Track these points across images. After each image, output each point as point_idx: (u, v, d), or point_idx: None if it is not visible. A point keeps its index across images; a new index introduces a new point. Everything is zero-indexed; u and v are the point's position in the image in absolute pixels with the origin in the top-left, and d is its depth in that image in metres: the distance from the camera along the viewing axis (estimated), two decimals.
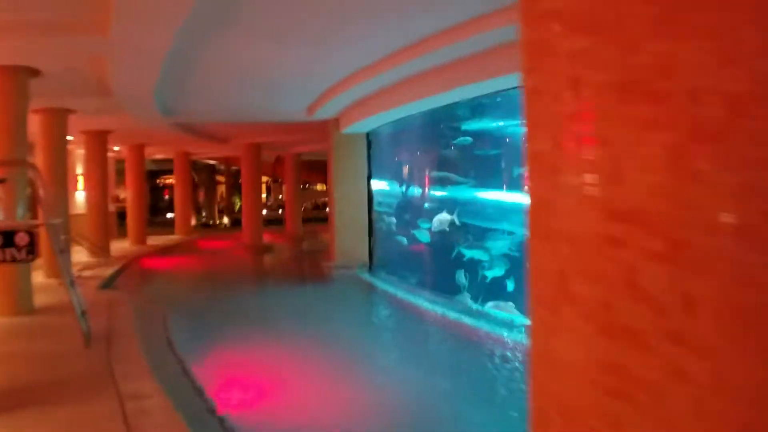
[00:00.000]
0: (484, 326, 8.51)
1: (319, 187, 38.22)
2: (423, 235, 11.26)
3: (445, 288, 10.51)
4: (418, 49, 7.76)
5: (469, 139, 10.31)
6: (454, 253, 10.18)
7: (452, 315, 9.26)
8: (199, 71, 9.27)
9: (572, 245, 1.45)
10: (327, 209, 31.34)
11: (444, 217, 10.58)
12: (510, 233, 9.59)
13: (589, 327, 1.40)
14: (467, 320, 8.91)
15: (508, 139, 10.39)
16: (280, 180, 37.19)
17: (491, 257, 9.62)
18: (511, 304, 9.03)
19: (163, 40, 6.76)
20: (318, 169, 30.35)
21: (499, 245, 9.63)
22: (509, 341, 7.73)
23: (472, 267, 10.05)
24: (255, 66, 9.21)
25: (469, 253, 9.92)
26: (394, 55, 8.31)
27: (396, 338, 8.79)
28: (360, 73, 9.52)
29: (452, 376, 6.43)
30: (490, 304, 9.31)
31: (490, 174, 10.21)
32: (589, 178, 1.42)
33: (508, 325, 8.40)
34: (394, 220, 13.24)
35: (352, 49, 8.29)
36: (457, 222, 10.31)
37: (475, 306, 9.58)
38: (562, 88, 1.53)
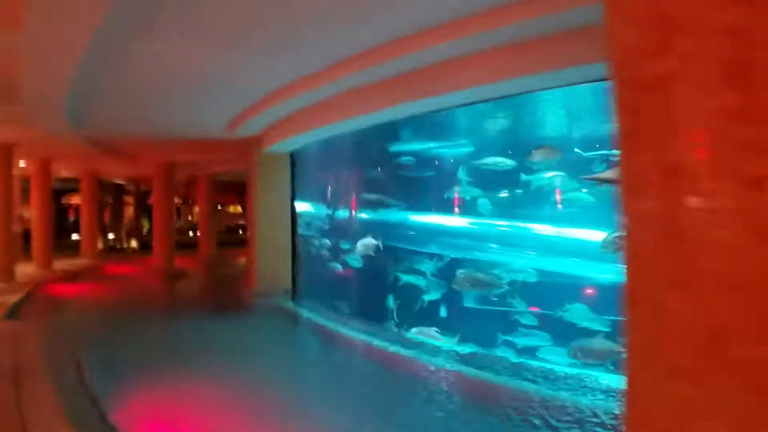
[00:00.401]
0: (413, 355, 8.22)
1: (232, 208, 37.31)
2: (353, 260, 11.06)
3: (377, 316, 10.27)
4: (352, 65, 7.44)
5: (405, 159, 10.25)
6: (387, 279, 10.02)
7: (382, 345, 8.88)
8: (115, 78, 8.57)
9: (736, 293, 1.06)
10: (241, 232, 30.73)
11: (369, 241, 10.37)
12: (439, 257, 9.59)
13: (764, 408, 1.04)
14: (398, 350, 8.57)
15: (437, 162, 10.44)
16: (191, 201, 35.99)
17: (427, 282, 9.56)
18: (434, 329, 8.96)
19: (81, 38, 6.12)
20: (231, 189, 29.60)
21: (431, 269, 9.60)
22: (434, 369, 7.59)
23: (406, 292, 9.91)
24: (177, 75, 8.60)
25: (405, 278, 9.79)
26: (326, 70, 7.95)
27: (318, 372, 8.31)
28: (289, 88, 9.10)
29: (378, 416, 6.17)
30: (413, 330, 9.20)
31: (421, 196, 10.21)
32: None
33: (435, 352, 8.23)
34: (319, 243, 12.86)
35: (282, 63, 7.87)
36: (381, 246, 10.15)
37: (405, 334, 9.43)
38: (716, 75, 1.15)
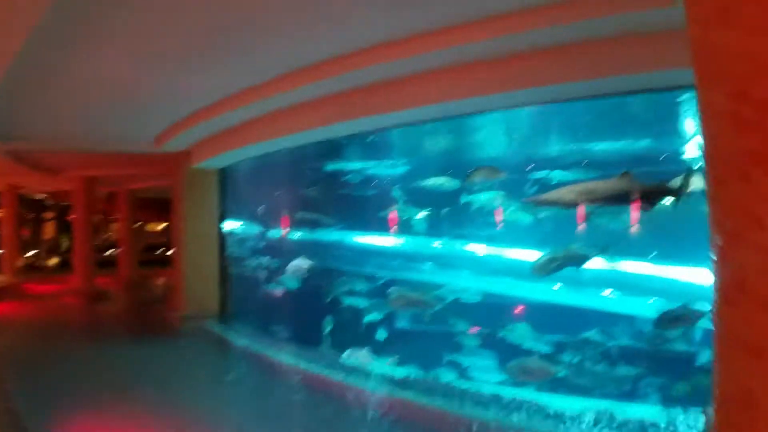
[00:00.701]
0: (345, 379, 8.00)
1: (151, 226, 35.73)
2: (286, 281, 10.68)
3: (311, 339, 9.90)
4: (289, 81, 7.18)
5: (343, 178, 10.04)
6: (322, 300, 9.72)
7: (315, 369, 8.59)
8: (40, 90, 8.03)
9: None
10: (162, 251, 29.37)
11: (300, 263, 10.04)
12: (376, 278, 9.40)
13: None
14: (330, 374, 8.31)
15: (376, 181, 10.28)
16: (110, 218, 34.33)
17: (364, 303, 9.33)
18: (368, 352, 8.77)
19: (7, 49, 5.74)
20: (153, 206, 28.37)
21: (368, 290, 9.39)
22: (366, 393, 7.41)
23: (342, 314, 9.66)
24: (105, 87, 8.11)
25: (341, 300, 9.51)
26: (262, 85, 7.64)
27: (240, 400, 7.91)
28: (221, 103, 8.70)
29: None
30: (348, 353, 8.97)
31: (358, 216, 10.01)
32: None
33: (368, 376, 8.03)
34: (251, 264, 12.40)
35: (216, 77, 7.53)
36: (312, 267, 9.85)
37: (340, 358, 9.15)
38: None
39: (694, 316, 7.32)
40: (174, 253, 14.47)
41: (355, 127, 7.91)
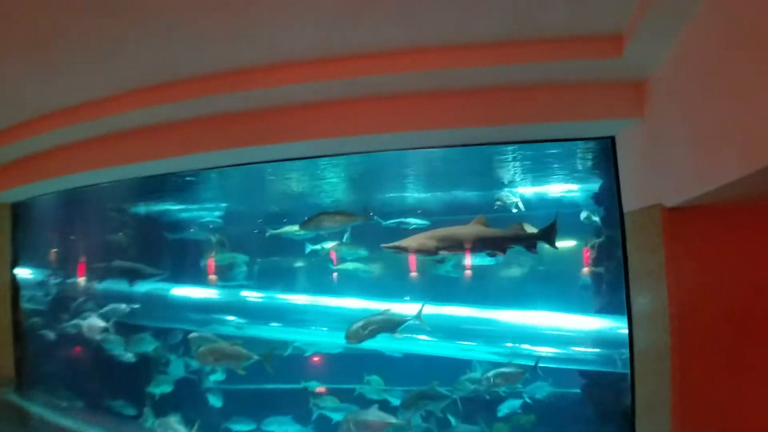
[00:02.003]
0: None
1: None
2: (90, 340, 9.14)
3: (119, 405, 8.66)
4: (120, 103, 5.26)
5: (158, 221, 8.74)
6: (127, 361, 8.41)
7: None
8: None
9: None
10: None
11: (94, 322, 8.68)
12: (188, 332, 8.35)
13: None
14: None
15: (193, 228, 9.13)
16: None
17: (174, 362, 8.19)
18: (176, 417, 7.80)
19: None
20: None
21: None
22: None
23: (151, 376, 8.45)
24: None
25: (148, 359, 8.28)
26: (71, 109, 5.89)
27: None
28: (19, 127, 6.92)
29: None
30: (154, 422, 7.81)
31: (177, 265, 8.81)
32: None
33: None
34: (49, 320, 10.56)
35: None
36: (111, 329, 8.50)
37: (147, 425, 8.02)
38: None
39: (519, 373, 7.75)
40: None
41: (199, 161, 6.20)
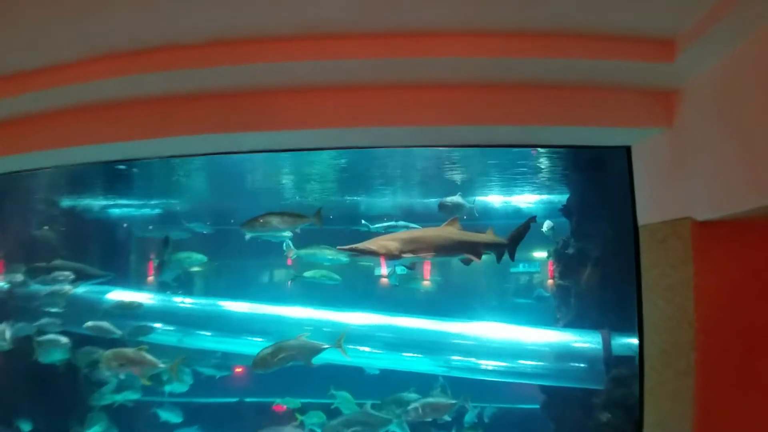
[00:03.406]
0: None
1: None
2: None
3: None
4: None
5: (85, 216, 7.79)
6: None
7: None
8: None
9: None
10: None
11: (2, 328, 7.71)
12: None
13: None
14: None
15: (125, 224, 8.23)
16: None
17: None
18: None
19: None
20: None
21: None
22: None
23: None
24: None
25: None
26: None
27: None
28: None
29: None
30: None
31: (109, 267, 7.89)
32: None
33: None
34: None
35: None
36: (34, 336, 7.54)
37: None
38: None
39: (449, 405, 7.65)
40: None
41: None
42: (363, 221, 7.21)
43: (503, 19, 3.50)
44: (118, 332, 7.38)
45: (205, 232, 7.37)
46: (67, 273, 7.39)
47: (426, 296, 9.24)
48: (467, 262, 5.86)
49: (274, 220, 6.91)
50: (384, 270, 9.21)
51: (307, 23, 3.59)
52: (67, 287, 7.33)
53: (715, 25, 3.17)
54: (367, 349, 8.79)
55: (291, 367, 6.93)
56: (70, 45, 3.95)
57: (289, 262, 8.02)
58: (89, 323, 7.46)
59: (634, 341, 6.39)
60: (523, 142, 4.87)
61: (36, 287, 7.69)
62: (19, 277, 7.73)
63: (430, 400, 7.62)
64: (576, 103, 4.13)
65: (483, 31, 3.61)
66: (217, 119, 4.43)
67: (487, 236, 6.02)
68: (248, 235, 6.99)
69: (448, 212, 7.29)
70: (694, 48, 3.39)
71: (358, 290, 9.14)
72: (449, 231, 5.83)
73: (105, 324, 7.44)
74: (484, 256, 5.89)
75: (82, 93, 4.36)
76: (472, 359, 8.23)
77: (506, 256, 6.01)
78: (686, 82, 3.85)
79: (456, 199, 7.33)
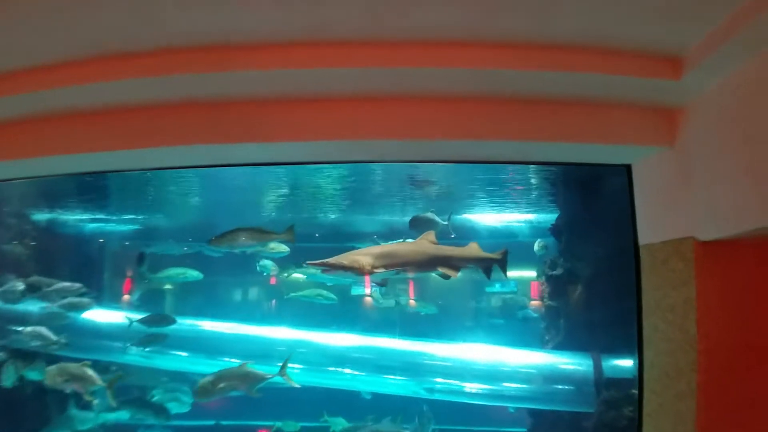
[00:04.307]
0: None
1: None
2: None
3: None
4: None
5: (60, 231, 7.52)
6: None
7: None
8: None
9: None
10: None
11: None
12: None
13: None
14: None
15: (102, 239, 7.96)
16: None
17: None
18: None
19: None
20: None
21: None
22: None
23: None
24: None
25: None
26: None
27: None
28: None
29: None
30: None
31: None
32: None
33: None
34: None
35: None
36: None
37: None
38: None
39: None
40: None
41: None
42: (375, 237, 6.99)
43: (509, 31, 3.43)
44: (55, 338, 7.14)
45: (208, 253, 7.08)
46: (78, 285, 7.25)
47: (409, 316, 9.09)
48: (445, 277, 5.66)
49: (243, 236, 6.73)
50: (367, 289, 9.02)
51: (309, 28, 3.46)
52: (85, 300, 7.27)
53: (724, 43, 3.13)
54: (347, 371, 8.60)
55: (284, 389, 6.78)
56: (53, 46, 3.72)
57: (273, 281, 7.81)
58: (27, 329, 7.24)
59: (626, 363, 6.37)
60: (521, 158, 4.80)
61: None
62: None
63: (381, 428, 7.48)
64: (576, 119, 4.07)
65: (488, 42, 3.52)
66: (208, 129, 4.26)
67: (471, 251, 5.79)
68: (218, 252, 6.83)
69: (418, 230, 7.04)
70: (702, 66, 3.35)
71: (339, 310, 8.95)
72: (425, 245, 5.61)
73: (43, 330, 7.25)
74: (469, 274, 5.72)
75: (64, 97, 4.13)
76: (456, 382, 8.08)
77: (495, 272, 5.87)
78: (691, 100, 3.82)
79: (428, 215, 7.14)
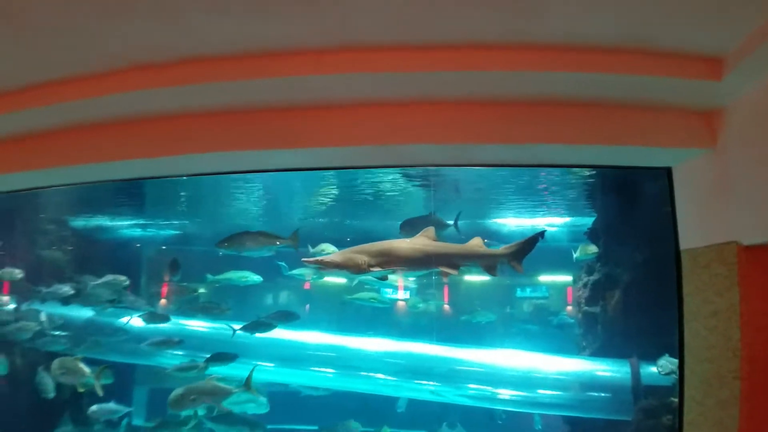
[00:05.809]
0: None
1: None
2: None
3: None
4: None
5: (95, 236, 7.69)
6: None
7: None
8: None
9: None
10: None
11: None
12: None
13: None
14: None
15: (138, 244, 8.10)
16: None
17: None
18: None
19: None
20: None
21: None
22: None
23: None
24: None
25: None
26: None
27: None
28: None
29: None
30: None
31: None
32: None
33: None
34: None
35: None
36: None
37: None
38: None
39: None
40: None
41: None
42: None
43: (548, 33, 3.40)
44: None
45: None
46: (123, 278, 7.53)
47: (442, 321, 9.03)
48: (445, 276, 5.59)
49: (248, 240, 6.80)
50: (401, 293, 8.99)
51: (342, 35, 3.49)
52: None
53: (763, 44, 3.06)
54: (380, 375, 8.57)
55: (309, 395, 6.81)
56: (87, 58, 3.82)
57: (307, 285, 7.86)
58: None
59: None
60: (561, 161, 4.73)
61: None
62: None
63: None
64: (616, 122, 4.02)
65: (526, 45, 3.50)
66: (242, 136, 4.32)
67: (473, 247, 5.67)
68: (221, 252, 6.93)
69: (410, 235, 6.83)
70: (743, 66, 3.28)
71: (368, 314, 8.93)
72: (423, 242, 5.55)
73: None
74: (500, 279, 5.65)
75: (101, 107, 4.23)
76: (490, 388, 8.00)
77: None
78: (732, 102, 3.74)
79: (430, 217, 6.84)
